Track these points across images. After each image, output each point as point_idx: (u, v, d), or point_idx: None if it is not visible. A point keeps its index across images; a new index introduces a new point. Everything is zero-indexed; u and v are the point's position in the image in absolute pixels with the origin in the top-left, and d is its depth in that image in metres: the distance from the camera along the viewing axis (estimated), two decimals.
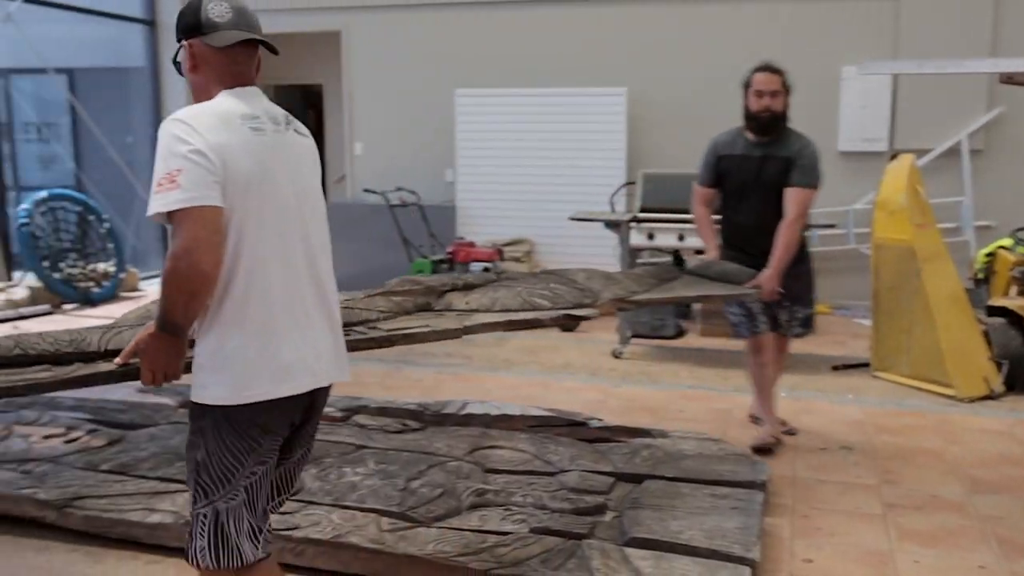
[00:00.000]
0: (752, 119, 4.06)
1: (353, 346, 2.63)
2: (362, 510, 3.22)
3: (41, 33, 9.07)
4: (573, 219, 6.23)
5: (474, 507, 3.30)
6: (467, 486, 3.44)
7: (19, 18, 7.96)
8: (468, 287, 3.56)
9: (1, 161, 7.81)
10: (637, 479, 3.57)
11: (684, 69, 7.98)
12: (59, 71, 9.93)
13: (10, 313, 7.16)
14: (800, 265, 4.18)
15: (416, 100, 8.87)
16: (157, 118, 9.53)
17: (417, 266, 7.52)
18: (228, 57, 2.10)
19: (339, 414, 4.35)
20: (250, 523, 2.15)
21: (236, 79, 2.12)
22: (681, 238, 5.75)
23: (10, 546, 3.16)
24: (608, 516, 3.25)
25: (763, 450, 4.10)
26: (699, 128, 7.92)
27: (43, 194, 8.08)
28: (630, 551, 2.91)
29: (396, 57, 8.93)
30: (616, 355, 6.06)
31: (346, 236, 8.61)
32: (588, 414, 4.30)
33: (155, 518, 3.16)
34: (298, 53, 10.28)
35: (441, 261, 7.48)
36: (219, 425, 2.06)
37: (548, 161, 8.13)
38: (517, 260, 8.00)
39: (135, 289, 8.71)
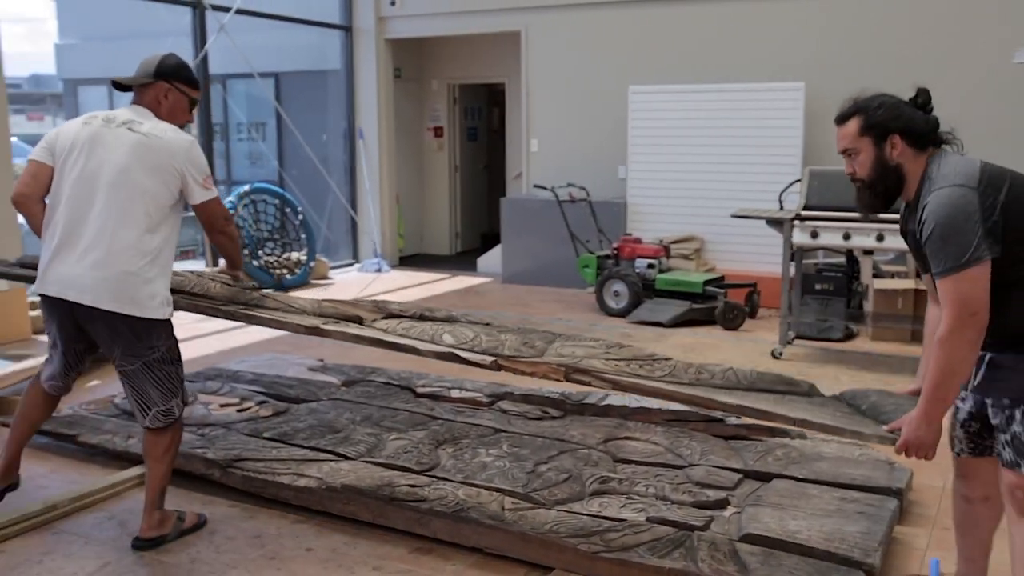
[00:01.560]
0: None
1: (201, 310, 3.52)
2: (488, 488, 3.38)
3: (252, 41, 9.88)
4: (735, 216, 6.13)
5: (596, 494, 3.38)
6: (592, 473, 3.52)
7: (232, 28, 8.72)
8: (422, 318, 3.47)
9: (213, 157, 8.59)
10: (765, 477, 3.53)
11: (863, 62, 7.64)
12: (267, 75, 10.79)
13: None
14: None
15: (591, 97, 8.98)
16: (351, 116, 10.17)
17: (583, 261, 7.64)
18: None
19: (485, 399, 4.54)
20: (49, 368, 3.31)
21: (133, 101, 3.22)
22: (847, 237, 5.54)
23: (182, 498, 3.55)
24: (728, 512, 3.24)
25: None
26: None
27: (245, 187, 8.84)
28: (741, 546, 2.91)
29: (572, 55, 9.08)
30: (775, 355, 5.92)
31: (519, 231, 8.89)
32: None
33: (302, 482, 3.45)
34: (482, 52, 10.66)
35: (606, 256, 7.56)
36: None
37: (721, 158, 8.02)
38: (685, 257, 7.95)
39: (324, 277, 9.34)
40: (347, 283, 9.15)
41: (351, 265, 10.19)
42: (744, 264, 7.92)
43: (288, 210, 9.11)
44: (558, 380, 2.97)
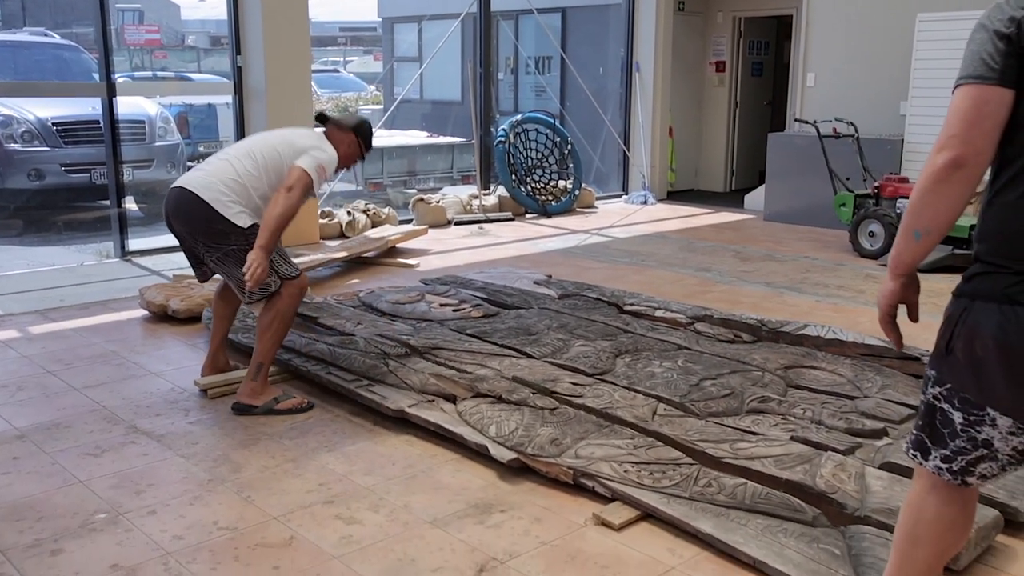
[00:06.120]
0: None
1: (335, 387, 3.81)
2: (645, 394, 3.54)
3: None
4: None
5: (753, 411, 3.42)
6: (756, 393, 3.55)
7: None
8: (500, 399, 3.50)
9: (490, 88, 9.15)
10: None
11: None
12: (554, 10, 11.21)
13: (479, 216, 8.51)
14: None
15: (875, 28, 8.43)
16: (629, 50, 10.27)
17: (839, 199, 7.31)
18: None
19: (685, 320, 4.64)
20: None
21: (325, 132, 3.98)
22: None
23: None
24: (882, 442, 3.15)
25: None
26: None
27: (517, 117, 9.34)
28: (872, 471, 2.85)
29: None
30: None
31: (784, 168, 8.66)
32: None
33: (481, 372, 3.80)
34: None
35: (866, 196, 7.17)
36: None
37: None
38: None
39: (590, 206, 9.67)
40: (610, 212, 9.41)
41: (619, 197, 10.42)
42: None
43: (558, 140, 9.50)
44: (568, 481, 3.02)
